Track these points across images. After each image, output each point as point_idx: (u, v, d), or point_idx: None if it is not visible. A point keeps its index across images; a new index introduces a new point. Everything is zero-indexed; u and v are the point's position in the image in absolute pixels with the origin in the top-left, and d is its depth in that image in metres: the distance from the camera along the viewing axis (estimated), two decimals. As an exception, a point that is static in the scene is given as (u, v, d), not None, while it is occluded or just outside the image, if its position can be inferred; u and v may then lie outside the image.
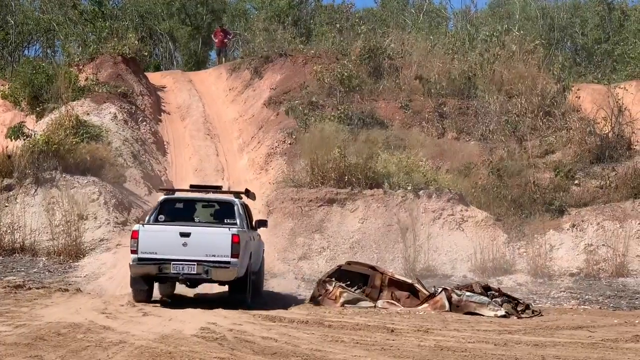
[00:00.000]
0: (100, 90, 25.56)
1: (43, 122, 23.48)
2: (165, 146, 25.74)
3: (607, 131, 23.51)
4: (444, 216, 20.50)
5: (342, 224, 20.28)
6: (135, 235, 14.11)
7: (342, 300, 15.00)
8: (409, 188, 20.79)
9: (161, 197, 15.68)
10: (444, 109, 25.77)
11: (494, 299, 14.87)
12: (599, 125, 23.74)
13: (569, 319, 14.35)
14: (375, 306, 14.94)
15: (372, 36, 28.92)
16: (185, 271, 14.01)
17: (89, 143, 21.93)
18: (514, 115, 24.90)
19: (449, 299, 14.80)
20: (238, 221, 14.71)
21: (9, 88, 26.76)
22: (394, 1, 40.13)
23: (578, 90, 26.36)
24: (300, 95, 26.32)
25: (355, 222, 20.32)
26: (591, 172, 22.42)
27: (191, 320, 12.53)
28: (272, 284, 17.60)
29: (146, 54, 31.75)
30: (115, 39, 28.73)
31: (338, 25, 32.33)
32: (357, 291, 15.27)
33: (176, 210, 15.26)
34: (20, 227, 19.42)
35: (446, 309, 14.65)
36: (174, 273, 14.05)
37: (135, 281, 14.38)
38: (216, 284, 15.01)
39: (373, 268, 15.81)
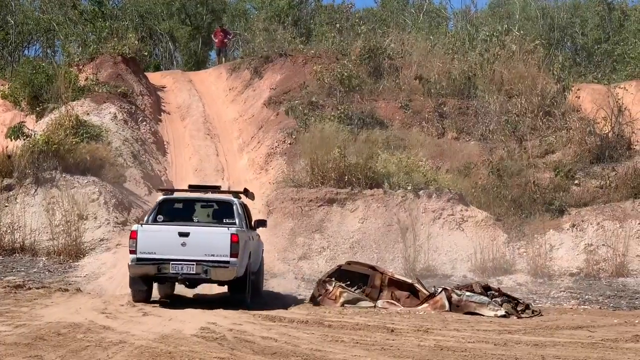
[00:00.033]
0: (100, 90, 25.56)
1: (43, 122, 23.48)
2: (165, 146, 25.74)
3: (607, 131, 23.51)
4: (444, 216, 20.50)
5: (342, 224, 20.28)
6: (133, 236, 14.09)
7: (342, 300, 15.00)
8: (409, 188, 20.79)
9: (160, 197, 15.66)
10: (444, 109, 25.77)
11: (494, 299, 14.87)
12: (599, 125, 23.74)
13: (569, 319, 14.35)
14: (375, 306, 14.93)
15: (372, 36, 28.92)
16: (184, 271, 13.98)
17: (89, 143, 21.92)
18: (514, 115, 24.91)
19: (449, 298, 14.80)
20: (237, 221, 14.69)
21: (9, 88, 26.77)
22: (394, 1, 40.13)
23: (578, 90, 26.36)
24: (300, 95, 26.32)
25: (355, 222, 20.32)
26: (591, 172, 22.43)
27: (191, 320, 12.53)
28: (272, 284, 17.60)
29: (146, 54, 31.77)
30: (115, 39, 28.73)
31: (338, 25, 32.32)
32: (357, 291, 15.27)
33: (175, 210, 15.23)
34: (20, 227, 19.41)
35: (446, 309, 14.65)
36: (173, 273, 14.02)
37: (134, 281, 14.35)
38: (216, 285, 15.00)
39: (373, 268, 15.81)
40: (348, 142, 22.13)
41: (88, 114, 24.00)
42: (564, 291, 17.98)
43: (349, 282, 15.36)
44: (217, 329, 11.70)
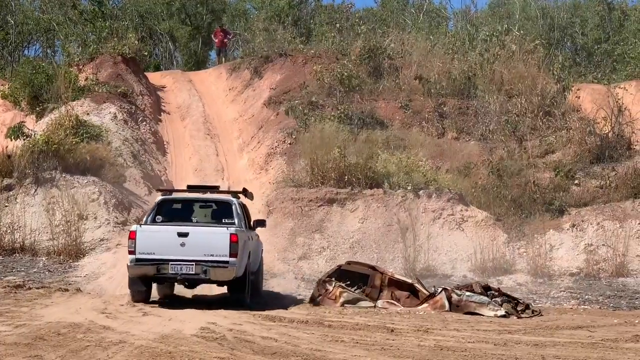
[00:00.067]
0: (100, 90, 25.56)
1: (43, 122, 23.48)
2: (165, 146, 25.74)
3: (607, 131, 23.51)
4: (444, 216, 20.50)
5: (342, 224, 20.28)
6: (132, 236, 14.06)
7: (342, 300, 15.00)
8: (409, 188, 20.79)
9: (158, 197, 15.64)
10: (444, 108, 25.77)
11: (493, 299, 14.87)
12: (599, 125, 23.75)
13: (568, 319, 14.35)
14: (375, 306, 14.93)
15: (372, 36, 28.91)
16: (184, 271, 13.94)
17: (89, 143, 21.92)
18: (514, 115, 24.91)
19: (449, 298, 14.80)
20: (236, 221, 14.67)
21: (9, 88, 26.77)
22: (394, 1, 40.12)
23: (578, 90, 26.36)
24: (300, 95, 26.32)
25: (355, 222, 20.32)
26: (591, 172, 22.43)
27: (191, 320, 12.53)
28: (272, 284, 17.59)
29: (146, 54, 31.76)
30: (115, 39, 28.73)
31: (338, 25, 32.31)
32: (357, 291, 15.27)
33: (174, 211, 15.19)
34: (20, 227, 19.42)
35: (446, 309, 14.65)
36: (172, 273, 13.99)
37: (133, 282, 14.30)
38: (215, 285, 14.96)
39: (373, 268, 15.80)
40: (348, 142, 22.13)
41: (88, 114, 24.00)
42: (564, 291, 17.97)
43: (349, 282, 15.36)
44: (217, 329, 11.70)
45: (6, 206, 19.82)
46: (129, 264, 14.11)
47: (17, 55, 36.42)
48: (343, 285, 15.21)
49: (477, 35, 30.53)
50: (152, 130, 25.77)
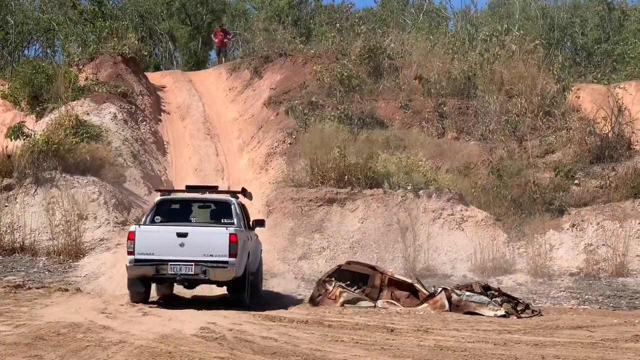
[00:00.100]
0: (100, 90, 25.56)
1: (43, 122, 23.48)
2: (165, 146, 25.74)
3: (607, 131, 23.51)
4: (444, 216, 20.50)
5: (342, 223, 20.28)
6: (131, 236, 14.02)
7: (341, 300, 15.00)
8: (408, 188, 20.78)
9: (157, 197, 15.62)
10: (444, 108, 25.77)
11: (493, 299, 14.87)
12: (598, 125, 23.75)
13: (568, 319, 14.35)
14: (375, 306, 14.93)
15: (372, 36, 28.91)
16: (183, 272, 13.90)
17: (89, 143, 21.92)
18: (514, 115, 24.91)
19: (449, 298, 14.80)
20: (235, 221, 14.64)
21: (8, 88, 26.78)
22: (394, 1, 40.13)
23: (578, 90, 26.37)
24: (300, 95, 26.32)
25: (355, 222, 20.32)
26: (591, 172, 22.43)
27: (191, 320, 12.53)
28: (272, 284, 17.59)
29: (146, 53, 31.75)
30: (115, 39, 28.72)
31: (338, 25, 32.30)
32: (357, 291, 15.26)
33: (173, 211, 15.16)
34: (20, 226, 19.42)
35: (446, 309, 14.64)
36: (171, 274, 13.95)
37: (132, 282, 14.25)
38: (215, 286, 14.93)
39: (373, 268, 15.80)
40: (348, 142, 22.13)
41: (88, 113, 24.00)
42: (563, 291, 17.97)
43: (348, 282, 15.35)
44: (217, 329, 11.70)
45: (6, 206, 19.82)
46: (128, 265, 14.07)
47: (17, 55, 36.44)
48: (343, 285, 15.21)
49: (477, 35, 30.54)
50: (152, 130, 25.77)
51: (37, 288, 15.93)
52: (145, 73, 29.68)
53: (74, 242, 19.05)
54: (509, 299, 15.13)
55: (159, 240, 13.99)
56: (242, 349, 10.38)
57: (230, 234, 13.87)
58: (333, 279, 15.35)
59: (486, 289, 15.34)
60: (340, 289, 15.10)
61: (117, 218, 20.08)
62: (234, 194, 15.78)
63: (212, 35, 34.64)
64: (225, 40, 33.74)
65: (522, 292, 17.38)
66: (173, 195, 15.99)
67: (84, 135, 22.09)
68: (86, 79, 26.33)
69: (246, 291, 14.47)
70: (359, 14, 36.42)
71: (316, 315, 13.66)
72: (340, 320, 13.11)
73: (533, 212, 20.72)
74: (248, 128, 26.78)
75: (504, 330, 12.66)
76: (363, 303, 14.97)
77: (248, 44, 33.59)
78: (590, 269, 19.16)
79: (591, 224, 20.35)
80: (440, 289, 15.17)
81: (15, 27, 36.18)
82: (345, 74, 26.04)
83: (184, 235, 13.96)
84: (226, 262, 13.84)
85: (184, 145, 26.03)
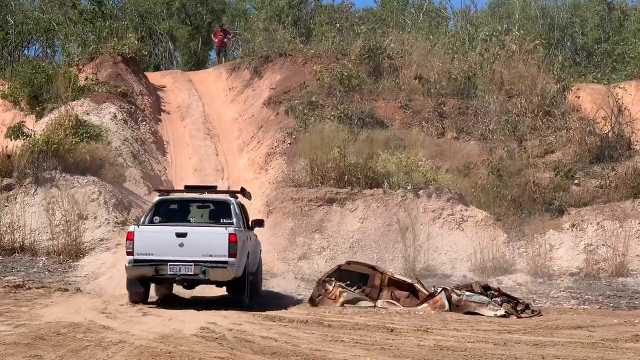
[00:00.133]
0: (100, 90, 25.56)
1: (43, 121, 23.48)
2: (165, 146, 25.74)
3: (606, 131, 23.52)
4: (444, 216, 20.50)
5: (342, 223, 20.28)
6: (130, 237, 13.99)
7: (341, 299, 15.00)
8: (408, 188, 20.78)
9: (156, 198, 15.60)
10: (444, 108, 25.76)
11: (493, 299, 14.87)
12: (598, 125, 23.75)
13: (568, 319, 14.35)
14: (375, 306, 14.93)
15: (371, 36, 28.91)
16: (182, 272, 13.87)
17: (89, 143, 21.92)
18: (513, 115, 24.91)
19: (449, 298, 14.80)
20: (234, 220, 14.61)
21: (8, 88, 26.78)
22: (394, 1, 40.11)
23: (578, 90, 26.37)
24: (300, 95, 26.32)
25: (355, 221, 20.32)
26: (591, 171, 22.43)
27: (191, 320, 12.53)
28: (272, 284, 17.59)
29: (146, 53, 31.76)
30: (115, 39, 28.72)
31: (338, 25, 32.30)
32: (357, 291, 15.26)
33: (172, 211, 15.13)
34: (20, 226, 19.42)
35: (446, 309, 14.64)
36: (170, 274, 13.90)
37: (131, 283, 14.21)
38: (214, 287, 14.90)
39: (373, 268, 15.80)
40: (348, 142, 22.12)
41: (88, 113, 24.00)
42: (563, 291, 17.97)
43: (348, 282, 15.35)
44: (217, 329, 11.70)
45: (6, 206, 19.82)
46: (127, 265, 14.04)
47: (17, 55, 36.43)
48: (343, 285, 15.21)
49: (477, 35, 30.54)
50: (152, 130, 25.77)
51: (37, 288, 15.93)
52: (145, 73, 29.68)
53: (74, 242, 19.05)
54: (509, 299, 15.14)
55: (158, 241, 13.96)
56: (242, 349, 10.38)
57: (230, 234, 13.85)
58: (333, 279, 15.35)
59: (486, 289, 15.34)
60: (340, 289, 15.10)
61: (117, 218, 20.08)
62: (233, 193, 15.76)
63: (212, 35, 34.64)
64: (225, 40, 33.74)
65: (522, 292, 17.38)
66: (172, 196, 15.95)
67: (84, 135, 22.09)
68: (86, 78, 26.33)
69: (246, 291, 14.46)
70: (358, 14, 36.44)
71: (316, 315, 13.66)
72: (340, 320, 13.11)
73: (533, 212, 20.73)
74: (248, 128, 26.78)
75: (504, 330, 12.66)
76: (363, 303, 14.97)
77: (248, 44, 33.59)
78: (590, 269, 19.16)
79: (591, 224, 20.35)
80: (440, 289, 15.17)
81: (15, 27, 36.18)
82: (345, 73, 26.04)
83: (183, 235, 13.93)
84: (226, 262, 13.82)
85: (183, 145, 26.03)
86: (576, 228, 20.34)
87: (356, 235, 20.00)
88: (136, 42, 29.34)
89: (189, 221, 14.97)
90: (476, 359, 10.26)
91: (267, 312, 13.76)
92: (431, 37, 30.75)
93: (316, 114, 24.75)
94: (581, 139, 23.26)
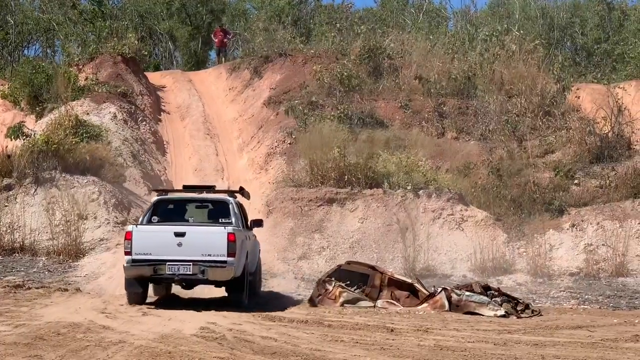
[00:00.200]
0: (99, 90, 25.56)
1: (43, 121, 23.48)
2: (165, 146, 25.74)
3: (606, 131, 23.53)
4: (444, 216, 20.50)
5: (341, 223, 20.28)
6: (128, 237, 13.93)
7: (341, 299, 15.00)
8: (408, 188, 20.79)
9: (154, 197, 15.57)
10: (444, 108, 25.77)
11: (493, 299, 14.87)
12: (598, 125, 23.76)
13: (568, 319, 14.35)
14: (374, 306, 14.93)
15: (371, 36, 28.92)
16: (181, 272, 13.81)
17: (89, 143, 21.92)
18: (513, 115, 24.91)
19: (449, 298, 14.80)
20: (233, 220, 14.57)
21: (8, 88, 26.78)
22: (393, 1, 40.10)
23: (578, 90, 26.38)
24: (300, 95, 26.32)
25: (355, 221, 20.32)
26: (591, 171, 22.44)
27: (191, 320, 12.52)
28: (272, 284, 17.59)
29: (146, 53, 31.77)
30: (115, 39, 28.72)
31: (338, 25, 32.31)
32: (356, 291, 15.26)
33: (170, 211, 15.08)
34: (20, 226, 19.42)
35: (446, 309, 14.64)
36: (169, 274, 13.84)
37: (129, 283, 14.16)
38: (213, 287, 14.86)
39: (373, 268, 15.80)
40: (348, 142, 22.12)
41: (88, 113, 24.00)
42: (563, 291, 17.97)
43: (348, 282, 15.34)
44: (217, 329, 11.69)
45: (6, 206, 19.82)
46: (125, 265, 13.98)
47: (17, 55, 36.43)
48: (343, 285, 15.20)
49: (477, 35, 30.54)
50: (152, 130, 25.77)
51: (37, 288, 15.93)
52: (145, 73, 29.68)
53: (74, 242, 19.05)
54: (508, 299, 15.13)
55: (156, 240, 13.91)
56: (242, 349, 10.38)
57: (229, 234, 13.82)
58: (333, 278, 15.35)
59: (486, 289, 15.34)
60: (340, 289, 15.09)
61: (116, 218, 20.08)
62: (231, 193, 15.73)
63: (212, 35, 34.64)
64: (225, 40, 33.74)
65: (522, 292, 17.38)
66: (170, 195, 15.92)
67: (84, 135, 22.09)
68: (86, 78, 26.33)
69: (245, 291, 14.43)
70: (358, 14, 36.47)
71: (316, 315, 13.66)
72: (340, 320, 13.10)
73: (533, 212, 20.73)
74: (248, 128, 26.78)
75: (503, 330, 12.66)
76: (363, 303, 14.97)
77: (248, 44, 33.59)
78: (590, 269, 19.17)
79: (591, 224, 20.35)
80: (440, 289, 15.17)
81: (15, 27, 36.18)
82: (345, 73, 26.04)
83: (182, 235, 13.90)
84: (224, 262, 13.78)
85: (183, 145, 26.03)
86: (576, 228, 20.35)
87: (356, 235, 20.00)
88: (136, 42, 29.34)
89: (188, 221, 14.94)
90: (476, 359, 10.26)
91: (267, 312, 13.75)
92: (431, 37, 30.76)
93: (316, 114, 24.75)
94: (581, 139, 23.27)
